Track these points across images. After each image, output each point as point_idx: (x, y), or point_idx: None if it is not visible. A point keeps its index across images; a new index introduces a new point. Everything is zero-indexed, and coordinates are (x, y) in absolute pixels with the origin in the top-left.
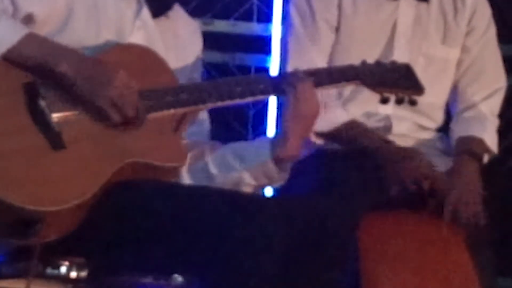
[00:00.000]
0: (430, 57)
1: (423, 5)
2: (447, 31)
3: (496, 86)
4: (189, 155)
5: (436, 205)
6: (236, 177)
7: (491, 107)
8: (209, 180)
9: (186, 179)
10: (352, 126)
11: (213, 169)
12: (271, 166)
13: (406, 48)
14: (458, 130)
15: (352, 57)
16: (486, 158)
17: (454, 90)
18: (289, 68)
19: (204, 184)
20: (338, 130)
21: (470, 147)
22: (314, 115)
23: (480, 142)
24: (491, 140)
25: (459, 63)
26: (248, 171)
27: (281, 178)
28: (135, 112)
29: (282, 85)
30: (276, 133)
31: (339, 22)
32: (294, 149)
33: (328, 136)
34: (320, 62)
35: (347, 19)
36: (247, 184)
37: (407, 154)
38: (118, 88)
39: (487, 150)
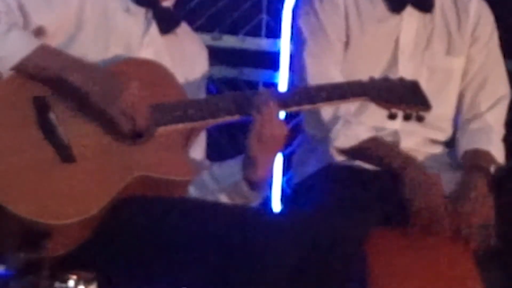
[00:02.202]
0: (434, 68)
1: (427, 16)
2: (451, 41)
3: (500, 94)
4: None
5: (450, 223)
6: (212, 198)
7: (496, 117)
8: None
9: None
10: (375, 143)
11: (192, 190)
12: (243, 187)
13: (410, 61)
14: (464, 144)
15: (359, 72)
16: (492, 169)
17: (460, 100)
18: (307, 74)
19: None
20: (360, 147)
21: (478, 161)
22: (280, 137)
23: (487, 154)
24: (498, 152)
25: (464, 73)
26: (223, 192)
27: (257, 197)
28: (145, 123)
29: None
30: (245, 156)
31: (348, 37)
32: (263, 170)
33: (349, 152)
34: (337, 73)
35: (355, 35)
36: None
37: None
38: (130, 98)
39: (494, 162)
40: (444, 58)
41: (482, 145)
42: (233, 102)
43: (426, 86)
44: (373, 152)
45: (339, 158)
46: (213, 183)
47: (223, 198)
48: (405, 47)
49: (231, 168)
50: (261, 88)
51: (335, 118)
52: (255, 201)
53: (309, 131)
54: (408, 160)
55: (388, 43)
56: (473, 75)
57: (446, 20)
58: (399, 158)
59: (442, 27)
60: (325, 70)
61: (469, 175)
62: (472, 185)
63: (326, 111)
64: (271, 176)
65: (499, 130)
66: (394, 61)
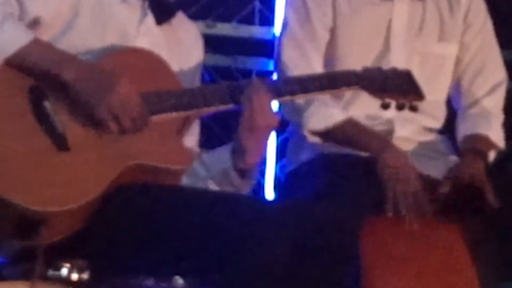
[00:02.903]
0: (426, 54)
1: (418, 3)
2: (443, 28)
3: (497, 80)
4: None
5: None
6: (202, 186)
7: (494, 102)
8: None
9: None
10: (349, 125)
11: (182, 177)
12: (233, 175)
13: (402, 47)
14: (464, 128)
15: (350, 58)
16: (492, 155)
17: (457, 88)
18: (288, 69)
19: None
20: (334, 129)
21: (476, 145)
22: (270, 127)
23: (486, 139)
24: (497, 136)
25: (459, 61)
26: (212, 179)
27: (246, 186)
28: (132, 124)
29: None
30: (234, 144)
31: (334, 22)
32: (252, 160)
33: (323, 134)
34: (317, 61)
35: (344, 19)
36: None
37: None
38: (119, 97)
39: (493, 146)
40: (437, 45)
41: (481, 130)
42: (226, 91)
43: (418, 73)
44: (349, 134)
45: (313, 140)
46: (203, 171)
47: (212, 186)
48: (397, 33)
49: (221, 155)
50: (254, 77)
51: (310, 101)
52: (243, 190)
53: (285, 115)
54: (385, 143)
55: (379, 29)
56: (468, 62)
57: (438, 6)
58: (376, 141)
59: (434, 14)
60: (305, 59)
61: (466, 157)
62: (467, 163)
63: None
64: (260, 165)
65: (498, 115)
66: (386, 47)
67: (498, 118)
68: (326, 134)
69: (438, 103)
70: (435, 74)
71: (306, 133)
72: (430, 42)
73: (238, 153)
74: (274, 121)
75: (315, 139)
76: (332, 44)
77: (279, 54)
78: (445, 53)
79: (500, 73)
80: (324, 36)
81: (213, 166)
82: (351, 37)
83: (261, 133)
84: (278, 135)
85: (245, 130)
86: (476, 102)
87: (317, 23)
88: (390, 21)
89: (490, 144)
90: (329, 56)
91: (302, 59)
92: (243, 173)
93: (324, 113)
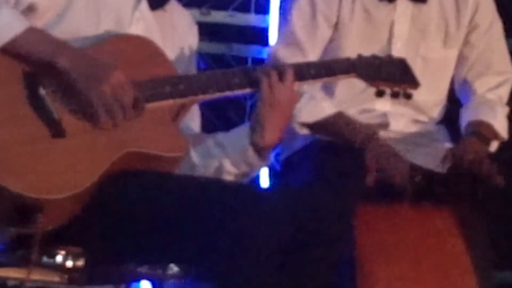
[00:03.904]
0: (428, 58)
1: (421, 6)
2: (448, 32)
3: (503, 78)
4: None
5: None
6: (217, 165)
7: (499, 95)
8: (191, 169)
9: None
10: (338, 119)
11: (195, 158)
12: (250, 153)
13: (403, 50)
14: (468, 115)
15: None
16: (495, 145)
17: (463, 84)
18: (279, 56)
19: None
20: (324, 122)
21: (479, 130)
22: (290, 103)
23: (489, 126)
24: (501, 126)
25: (464, 59)
26: (228, 159)
27: (262, 166)
28: (124, 116)
29: (257, 73)
30: (253, 121)
31: (337, 20)
32: (272, 137)
33: (312, 127)
34: (312, 57)
35: (345, 19)
36: (228, 172)
37: (388, 160)
38: (112, 88)
39: (496, 135)
40: (441, 50)
41: (486, 118)
42: (223, 78)
43: (419, 76)
44: (337, 128)
45: (302, 132)
46: (219, 150)
47: (228, 165)
48: (399, 37)
49: (237, 135)
50: (250, 64)
51: (300, 93)
52: (258, 170)
53: None
54: (370, 136)
55: (381, 31)
56: (473, 61)
57: (443, 11)
58: (362, 134)
59: (439, 19)
60: (300, 51)
61: (468, 140)
62: (468, 144)
63: None
64: (279, 143)
65: (503, 106)
66: (387, 50)
67: (503, 108)
68: (315, 126)
69: (434, 102)
70: (436, 77)
71: (295, 124)
72: (434, 47)
73: (257, 130)
74: (294, 97)
75: (304, 131)
76: (333, 43)
77: (273, 48)
78: (447, 58)
79: (507, 71)
80: (325, 33)
81: (230, 146)
82: (351, 37)
83: (282, 108)
84: None
85: (265, 106)
86: (480, 97)
87: (321, 19)
88: (392, 24)
89: (494, 133)
90: (328, 52)
91: (297, 55)
92: (260, 152)
93: (314, 106)
